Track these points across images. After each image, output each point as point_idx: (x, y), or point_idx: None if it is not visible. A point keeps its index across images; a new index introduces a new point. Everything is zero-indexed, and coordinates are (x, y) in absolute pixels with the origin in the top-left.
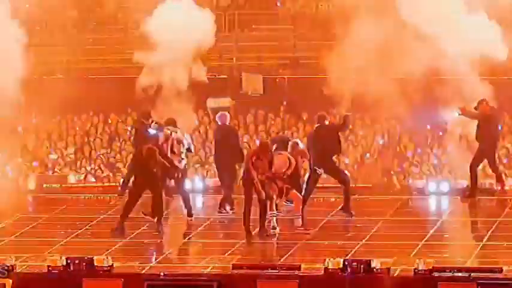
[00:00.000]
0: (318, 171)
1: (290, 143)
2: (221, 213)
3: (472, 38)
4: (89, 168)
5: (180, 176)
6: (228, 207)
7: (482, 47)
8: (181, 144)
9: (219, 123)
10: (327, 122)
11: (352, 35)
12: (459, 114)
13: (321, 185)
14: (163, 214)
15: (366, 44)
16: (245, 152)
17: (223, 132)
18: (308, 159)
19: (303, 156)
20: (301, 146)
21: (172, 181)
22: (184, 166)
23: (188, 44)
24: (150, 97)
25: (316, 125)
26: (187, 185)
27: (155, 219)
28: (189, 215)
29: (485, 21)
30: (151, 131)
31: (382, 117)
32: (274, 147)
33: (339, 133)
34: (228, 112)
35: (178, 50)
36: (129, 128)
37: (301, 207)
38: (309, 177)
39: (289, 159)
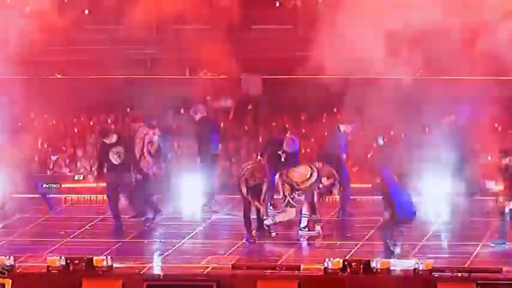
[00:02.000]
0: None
1: (286, 139)
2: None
3: None
4: (88, 168)
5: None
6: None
7: None
8: (154, 145)
9: (197, 116)
10: (343, 128)
11: (352, 33)
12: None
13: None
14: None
15: (366, 43)
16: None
17: (204, 124)
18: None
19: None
20: (296, 142)
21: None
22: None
23: None
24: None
25: (336, 125)
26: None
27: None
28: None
29: None
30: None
31: (382, 117)
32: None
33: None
34: (229, 113)
35: None
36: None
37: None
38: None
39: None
